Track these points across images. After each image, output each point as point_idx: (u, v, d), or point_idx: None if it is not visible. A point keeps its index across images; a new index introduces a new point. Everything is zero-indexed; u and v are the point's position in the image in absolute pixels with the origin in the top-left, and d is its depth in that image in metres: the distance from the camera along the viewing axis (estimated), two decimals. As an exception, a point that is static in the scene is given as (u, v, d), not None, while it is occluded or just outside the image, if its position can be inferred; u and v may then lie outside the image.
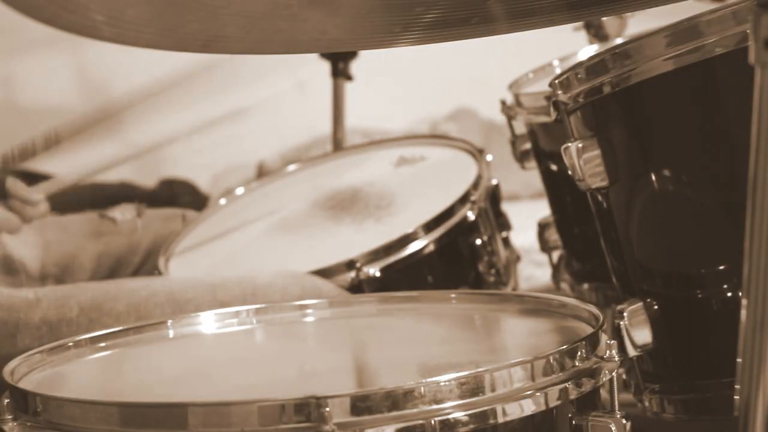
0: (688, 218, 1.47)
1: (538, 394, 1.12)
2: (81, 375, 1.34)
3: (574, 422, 1.16)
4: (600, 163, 1.48)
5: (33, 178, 3.05)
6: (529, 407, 1.11)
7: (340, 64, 2.81)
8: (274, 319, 1.51)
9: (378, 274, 1.83)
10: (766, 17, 0.96)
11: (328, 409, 1.04)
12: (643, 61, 1.42)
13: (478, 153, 2.12)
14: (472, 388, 1.09)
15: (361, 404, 1.06)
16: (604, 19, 2.36)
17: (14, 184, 1.69)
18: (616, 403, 1.17)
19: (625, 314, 1.48)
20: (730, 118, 1.43)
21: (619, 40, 2.33)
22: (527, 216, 2.24)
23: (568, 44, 2.33)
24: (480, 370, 1.10)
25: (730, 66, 1.39)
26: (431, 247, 1.89)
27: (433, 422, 1.06)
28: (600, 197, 1.53)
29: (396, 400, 1.06)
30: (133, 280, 1.79)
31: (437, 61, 4.40)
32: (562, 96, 1.52)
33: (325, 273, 1.83)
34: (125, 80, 4.29)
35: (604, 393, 1.20)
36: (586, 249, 2.05)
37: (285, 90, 4.44)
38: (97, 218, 2.14)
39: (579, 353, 1.17)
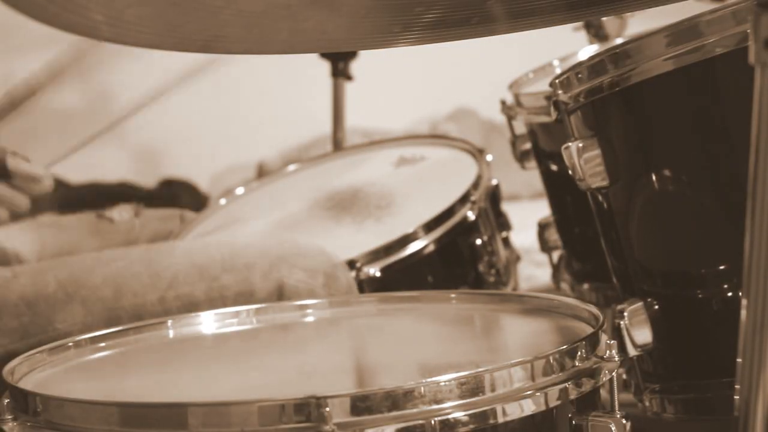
0: (688, 218, 1.47)
1: (538, 394, 1.12)
2: (81, 375, 1.34)
3: (574, 422, 1.16)
4: (600, 163, 1.48)
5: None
6: (529, 407, 1.11)
7: (340, 64, 2.81)
8: (274, 319, 1.51)
9: (378, 274, 1.83)
10: (766, 17, 0.96)
11: (328, 409, 1.04)
12: (644, 61, 1.42)
13: (478, 153, 2.12)
14: (472, 388, 1.09)
15: (361, 404, 1.06)
16: (604, 19, 2.35)
17: (15, 161, 1.66)
18: (616, 403, 1.17)
19: (625, 314, 1.48)
20: (730, 118, 1.43)
21: (619, 40, 2.33)
22: (527, 216, 2.24)
23: (568, 44, 2.33)
24: (480, 370, 1.10)
25: (730, 66, 1.39)
26: (431, 247, 1.89)
27: (433, 422, 1.06)
28: (600, 197, 1.53)
29: (396, 400, 1.06)
30: (112, 251, 1.76)
31: (437, 61, 4.40)
32: (562, 96, 1.52)
33: (325, 273, 1.83)
34: (125, 80, 4.29)
35: (604, 393, 1.20)
36: (586, 249, 2.05)
37: (285, 90, 4.44)
38: (94, 218, 2.14)
39: (579, 353, 1.17)
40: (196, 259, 1.66)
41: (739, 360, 0.99)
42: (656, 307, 1.48)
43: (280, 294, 1.64)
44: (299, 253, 1.70)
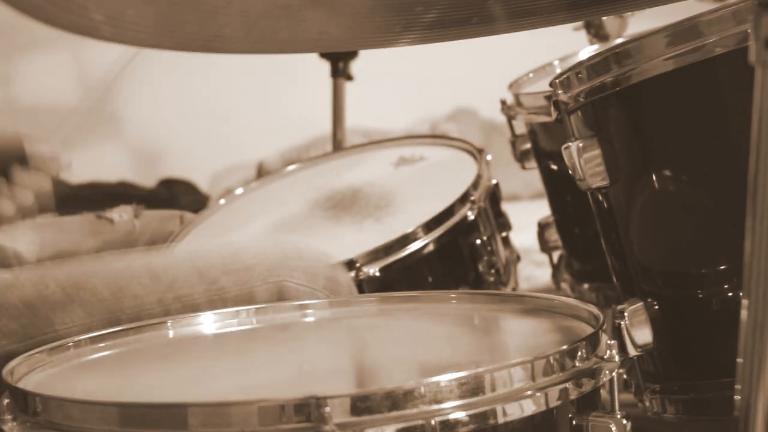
0: (688, 218, 1.47)
1: (538, 394, 1.12)
2: (81, 375, 1.34)
3: (574, 422, 1.15)
4: (600, 163, 1.48)
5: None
6: (529, 407, 1.11)
7: (340, 64, 2.81)
8: (274, 319, 1.50)
9: (378, 274, 1.83)
10: (767, 17, 0.96)
11: (328, 409, 1.04)
12: (644, 61, 1.42)
13: (478, 153, 2.12)
14: (472, 388, 1.09)
15: (361, 404, 1.06)
16: (604, 19, 2.36)
17: (32, 145, 1.66)
18: (617, 403, 1.17)
19: (625, 314, 1.48)
20: (730, 117, 1.43)
21: (619, 40, 2.33)
22: (527, 216, 2.24)
23: (568, 44, 2.33)
24: (480, 370, 1.10)
25: (730, 66, 1.39)
26: (431, 247, 1.89)
27: (433, 422, 1.06)
28: (600, 197, 1.53)
29: (396, 400, 1.06)
30: (111, 254, 1.76)
31: (437, 61, 4.40)
32: (562, 95, 1.52)
33: (324, 273, 1.83)
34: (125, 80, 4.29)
35: (604, 393, 1.20)
36: (587, 249, 2.04)
37: (285, 90, 4.44)
38: (93, 219, 2.14)
39: (579, 353, 1.17)
40: (196, 261, 1.66)
41: (739, 360, 0.99)
42: (656, 307, 1.48)
43: (280, 296, 1.64)
44: (299, 256, 1.69)
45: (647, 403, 1.54)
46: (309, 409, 1.05)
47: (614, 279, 1.58)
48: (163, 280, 1.63)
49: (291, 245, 1.74)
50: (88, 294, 1.56)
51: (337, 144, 2.86)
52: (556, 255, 2.16)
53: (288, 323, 1.50)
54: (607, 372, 1.18)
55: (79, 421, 1.11)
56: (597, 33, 2.40)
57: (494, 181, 2.05)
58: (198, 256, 1.69)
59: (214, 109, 4.52)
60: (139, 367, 1.38)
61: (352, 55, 2.82)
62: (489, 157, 2.08)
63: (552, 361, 1.14)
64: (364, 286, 1.81)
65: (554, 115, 1.56)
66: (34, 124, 4.06)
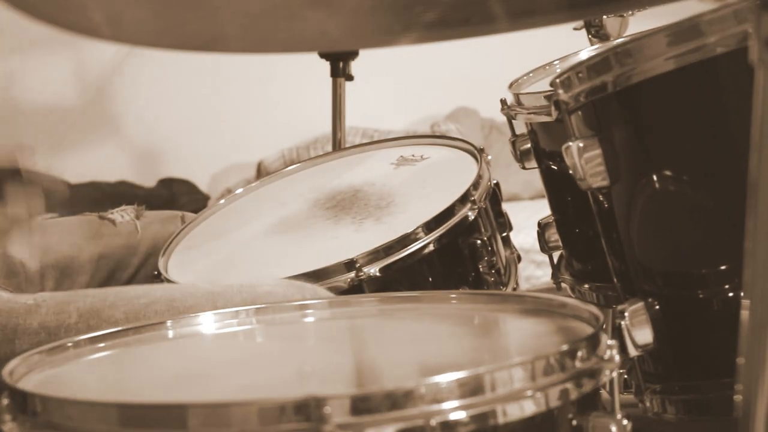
0: (689, 218, 1.47)
1: (538, 394, 1.12)
2: (80, 375, 1.34)
3: (574, 423, 1.15)
4: (601, 163, 1.48)
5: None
6: (529, 408, 1.11)
7: (340, 64, 2.81)
8: (274, 319, 1.50)
9: (378, 274, 1.83)
10: (767, 16, 0.95)
11: (328, 409, 1.04)
12: (644, 61, 1.42)
13: (478, 153, 2.11)
14: (473, 388, 1.09)
15: (361, 404, 1.05)
16: (604, 18, 2.36)
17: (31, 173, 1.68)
18: (617, 403, 1.16)
19: (626, 314, 1.48)
20: (731, 117, 1.43)
21: (619, 40, 2.33)
22: (527, 216, 2.24)
23: (568, 44, 2.33)
24: (480, 370, 1.10)
25: (731, 65, 1.39)
26: (431, 247, 1.89)
27: (433, 422, 1.06)
28: (601, 197, 1.53)
29: (396, 400, 1.06)
30: (134, 287, 1.78)
31: (437, 61, 4.40)
32: (563, 95, 1.52)
33: (324, 273, 1.83)
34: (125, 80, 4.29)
35: (604, 393, 1.20)
36: (587, 249, 2.04)
37: (285, 90, 4.44)
38: (96, 220, 2.15)
39: (579, 353, 1.17)
40: (219, 303, 1.67)
41: (740, 360, 0.99)
42: (657, 307, 1.48)
43: None
44: (315, 294, 1.71)
45: (648, 404, 1.54)
46: (309, 409, 1.05)
47: (614, 279, 1.58)
48: (179, 309, 1.65)
49: (312, 291, 1.75)
50: (108, 327, 1.58)
51: (337, 144, 2.86)
52: (556, 255, 2.16)
53: (288, 323, 1.50)
54: (607, 372, 1.18)
55: (78, 421, 1.11)
56: (597, 33, 2.40)
57: (495, 181, 2.05)
58: (220, 297, 1.71)
59: (214, 109, 4.52)
60: (139, 367, 1.38)
61: (352, 55, 2.81)
62: (489, 158, 2.08)
63: (552, 361, 1.14)
64: (365, 286, 1.81)
65: (554, 114, 1.56)
66: (33, 124, 4.07)
